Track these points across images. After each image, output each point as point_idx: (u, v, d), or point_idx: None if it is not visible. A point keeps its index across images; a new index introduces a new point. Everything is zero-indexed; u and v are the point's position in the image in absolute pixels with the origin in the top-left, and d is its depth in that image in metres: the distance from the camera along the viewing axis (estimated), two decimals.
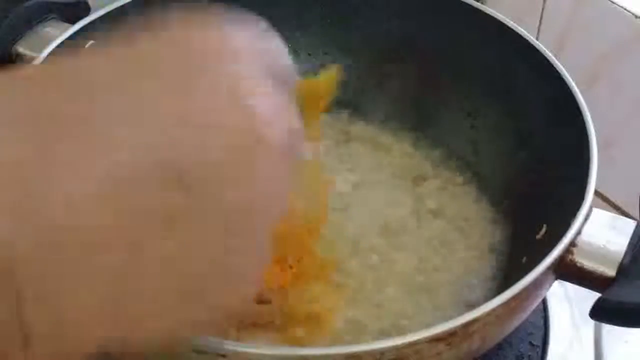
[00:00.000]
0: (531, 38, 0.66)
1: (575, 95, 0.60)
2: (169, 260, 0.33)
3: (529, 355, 0.63)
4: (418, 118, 0.75)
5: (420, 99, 0.75)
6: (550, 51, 0.64)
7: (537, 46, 0.65)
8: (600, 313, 0.50)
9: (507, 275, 0.63)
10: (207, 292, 0.35)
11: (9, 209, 0.29)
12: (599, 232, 0.53)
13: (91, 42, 0.67)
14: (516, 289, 0.48)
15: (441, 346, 0.47)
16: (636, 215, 0.80)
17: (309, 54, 0.77)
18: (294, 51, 0.77)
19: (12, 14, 0.67)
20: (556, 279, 0.53)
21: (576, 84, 0.61)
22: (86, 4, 0.72)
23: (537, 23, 0.89)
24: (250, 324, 0.59)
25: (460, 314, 0.47)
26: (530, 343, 0.64)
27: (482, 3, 0.71)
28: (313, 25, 0.76)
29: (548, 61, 0.63)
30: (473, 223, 0.67)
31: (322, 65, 0.77)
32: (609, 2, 0.80)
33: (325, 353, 0.45)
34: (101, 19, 0.67)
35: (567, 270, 0.52)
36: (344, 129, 0.75)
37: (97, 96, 0.33)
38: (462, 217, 0.68)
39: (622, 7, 0.79)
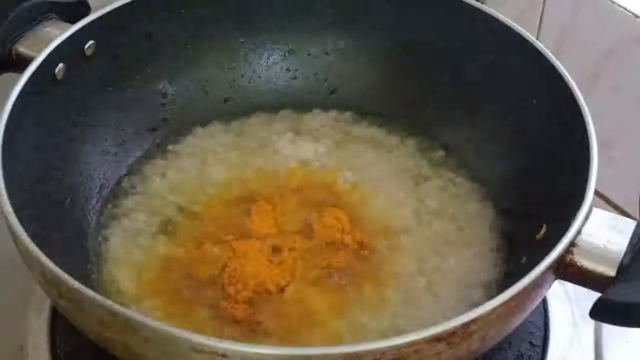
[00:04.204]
0: (531, 38, 0.66)
1: (575, 95, 0.60)
2: None
3: (529, 355, 0.63)
4: (418, 118, 0.75)
5: (421, 99, 0.75)
6: (550, 51, 0.64)
7: (537, 46, 0.65)
8: (600, 313, 0.50)
9: (507, 275, 0.63)
10: None
11: None
12: (599, 232, 0.53)
13: (91, 42, 0.67)
14: (516, 289, 0.48)
15: (441, 346, 0.47)
16: (636, 215, 0.80)
17: (309, 54, 0.77)
18: (294, 51, 0.77)
19: (12, 14, 0.67)
20: (556, 279, 0.53)
21: (576, 84, 0.61)
22: (86, 4, 0.72)
23: (537, 23, 0.89)
24: (250, 324, 0.59)
25: (460, 314, 0.47)
26: (530, 343, 0.64)
27: (482, 3, 0.71)
28: (313, 25, 0.76)
29: (548, 61, 0.63)
30: (473, 223, 0.67)
31: (322, 65, 0.77)
32: (609, 2, 0.80)
33: (325, 353, 0.45)
34: (101, 19, 0.68)
35: (567, 270, 0.52)
36: (345, 129, 0.75)
37: None
38: (463, 217, 0.68)
39: (622, 7, 0.79)
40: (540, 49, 0.65)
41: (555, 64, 0.63)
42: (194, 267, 0.63)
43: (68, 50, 0.65)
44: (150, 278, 0.63)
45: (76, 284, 0.48)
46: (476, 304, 0.49)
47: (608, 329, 0.66)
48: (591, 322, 0.66)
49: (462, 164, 0.72)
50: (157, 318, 0.58)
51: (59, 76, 0.65)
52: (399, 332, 0.59)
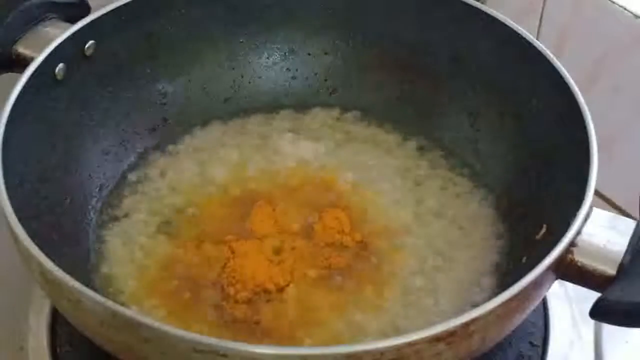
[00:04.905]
0: (531, 38, 0.66)
1: (575, 95, 0.60)
2: None
3: (529, 355, 0.63)
4: (418, 118, 0.75)
5: (421, 99, 0.75)
6: (550, 51, 0.64)
7: (537, 46, 0.65)
8: (600, 313, 0.50)
9: (507, 275, 0.63)
10: None
11: None
12: (599, 232, 0.53)
13: (91, 42, 0.67)
14: (516, 289, 0.48)
15: (441, 346, 0.47)
16: (636, 215, 0.80)
17: (309, 54, 0.77)
18: (294, 51, 0.77)
19: (12, 14, 0.67)
20: (556, 279, 0.53)
21: (576, 84, 0.61)
22: (86, 4, 0.72)
23: (537, 23, 0.89)
24: (249, 324, 0.59)
25: (460, 314, 0.47)
26: (530, 343, 0.64)
27: (482, 3, 0.71)
28: (313, 25, 0.76)
29: (548, 61, 0.63)
30: (473, 223, 0.67)
31: (322, 65, 0.77)
32: (609, 2, 0.80)
33: (325, 353, 0.45)
34: (101, 18, 0.68)
35: (567, 270, 0.52)
36: (345, 129, 0.75)
37: None
38: (463, 217, 0.68)
39: (622, 7, 0.79)
40: (540, 49, 0.65)
41: (555, 64, 0.63)
42: (193, 267, 0.63)
43: (68, 50, 0.65)
44: (150, 278, 0.63)
45: (76, 284, 0.48)
46: (476, 304, 0.49)
47: (608, 329, 0.66)
48: (591, 322, 0.66)
49: (462, 164, 0.72)
50: (157, 318, 0.58)
51: (59, 76, 0.65)
52: (399, 332, 0.59)
